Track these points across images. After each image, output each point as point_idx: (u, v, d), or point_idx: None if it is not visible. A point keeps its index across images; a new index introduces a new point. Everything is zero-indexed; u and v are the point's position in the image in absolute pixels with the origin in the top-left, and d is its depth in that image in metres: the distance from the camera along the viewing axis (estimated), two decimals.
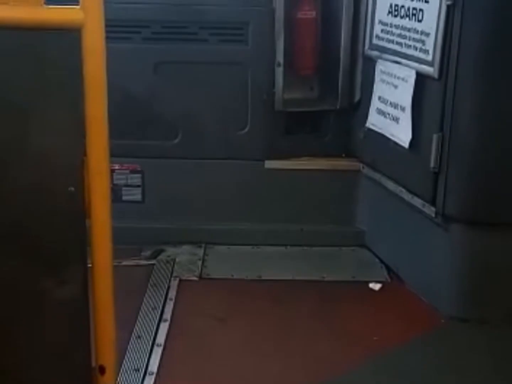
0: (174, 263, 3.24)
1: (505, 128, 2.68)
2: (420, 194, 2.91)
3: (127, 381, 2.41)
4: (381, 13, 3.10)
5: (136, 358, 2.53)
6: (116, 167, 3.36)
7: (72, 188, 1.61)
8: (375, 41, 3.17)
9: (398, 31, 2.97)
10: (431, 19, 2.73)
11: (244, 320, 2.83)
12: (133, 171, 3.41)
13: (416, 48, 2.84)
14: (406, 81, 2.88)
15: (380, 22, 3.12)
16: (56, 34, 1.54)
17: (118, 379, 2.36)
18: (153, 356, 2.55)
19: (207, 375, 2.48)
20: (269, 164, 3.42)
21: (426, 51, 2.78)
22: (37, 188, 1.62)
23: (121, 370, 2.44)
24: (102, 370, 1.73)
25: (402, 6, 2.93)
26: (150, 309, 2.85)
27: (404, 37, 2.92)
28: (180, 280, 3.10)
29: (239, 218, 3.44)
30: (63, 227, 1.64)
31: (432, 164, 2.77)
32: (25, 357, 1.70)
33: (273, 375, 2.48)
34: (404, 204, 3.02)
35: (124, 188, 3.41)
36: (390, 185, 3.13)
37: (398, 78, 2.95)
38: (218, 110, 3.37)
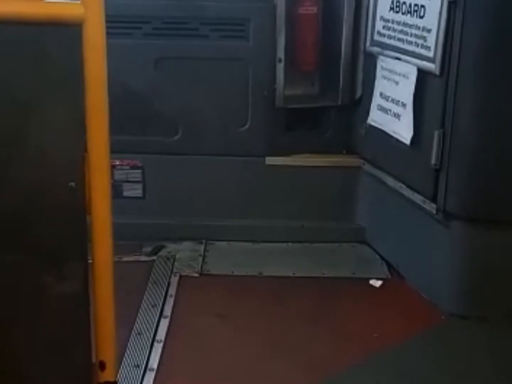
0: (174, 259, 3.24)
1: (506, 126, 2.67)
2: (421, 190, 2.90)
3: (127, 377, 2.41)
4: (383, 9, 3.10)
5: (136, 354, 2.53)
6: (117, 163, 3.36)
7: (73, 184, 1.60)
8: (376, 37, 3.16)
9: (399, 28, 2.96)
10: (433, 16, 2.72)
11: (245, 317, 2.82)
12: (134, 167, 3.41)
13: (417, 45, 2.84)
14: (408, 78, 2.88)
15: (382, 18, 3.11)
16: (56, 29, 1.53)
17: (118, 375, 2.36)
18: (153, 352, 2.55)
19: (207, 371, 2.48)
20: (270, 160, 3.42)
21: (427, 48, 2.77)
22: (38, 184, 1.61)
23: (121, 366, 2.44)
24: (102, 365, 1.73)
25: (404, 2, 2.93)
26: (151, 305, 2.85)
27: (406, 33, 2.92)
28: (181, 276, 3.10)
29: (239, 215, 3.44)
30: (63, 223, 1.64)
31: (433, 161, 2.77)
32: (25, 352, 1.70)
33: (273, 371, 2.48)
34: (405, 201, 3.02)
35: (124, 184, 3.41)
36: (391, 181, 3.13)
37: (400, 74, 2.94)
38: (219, 106, 3.36)
